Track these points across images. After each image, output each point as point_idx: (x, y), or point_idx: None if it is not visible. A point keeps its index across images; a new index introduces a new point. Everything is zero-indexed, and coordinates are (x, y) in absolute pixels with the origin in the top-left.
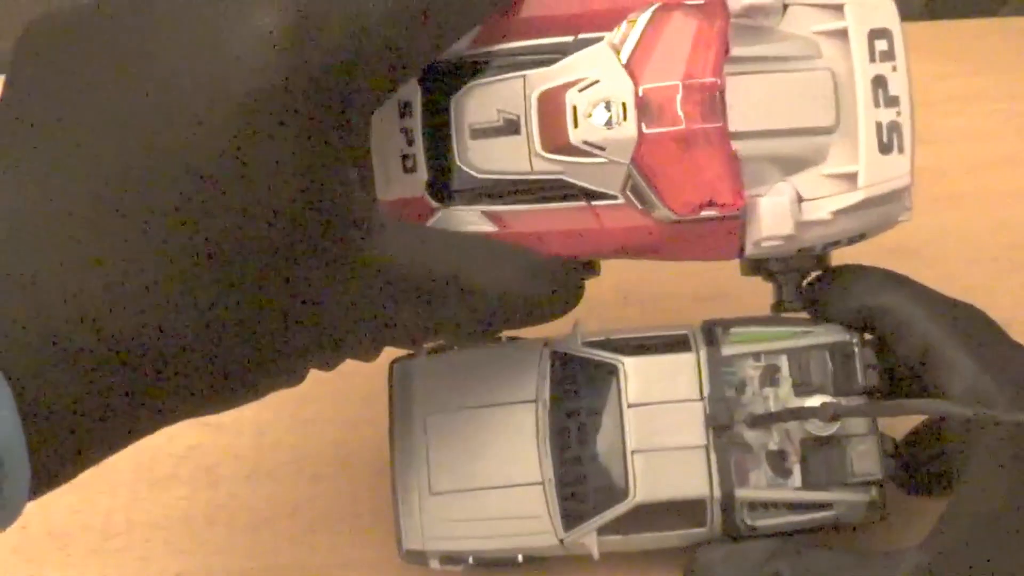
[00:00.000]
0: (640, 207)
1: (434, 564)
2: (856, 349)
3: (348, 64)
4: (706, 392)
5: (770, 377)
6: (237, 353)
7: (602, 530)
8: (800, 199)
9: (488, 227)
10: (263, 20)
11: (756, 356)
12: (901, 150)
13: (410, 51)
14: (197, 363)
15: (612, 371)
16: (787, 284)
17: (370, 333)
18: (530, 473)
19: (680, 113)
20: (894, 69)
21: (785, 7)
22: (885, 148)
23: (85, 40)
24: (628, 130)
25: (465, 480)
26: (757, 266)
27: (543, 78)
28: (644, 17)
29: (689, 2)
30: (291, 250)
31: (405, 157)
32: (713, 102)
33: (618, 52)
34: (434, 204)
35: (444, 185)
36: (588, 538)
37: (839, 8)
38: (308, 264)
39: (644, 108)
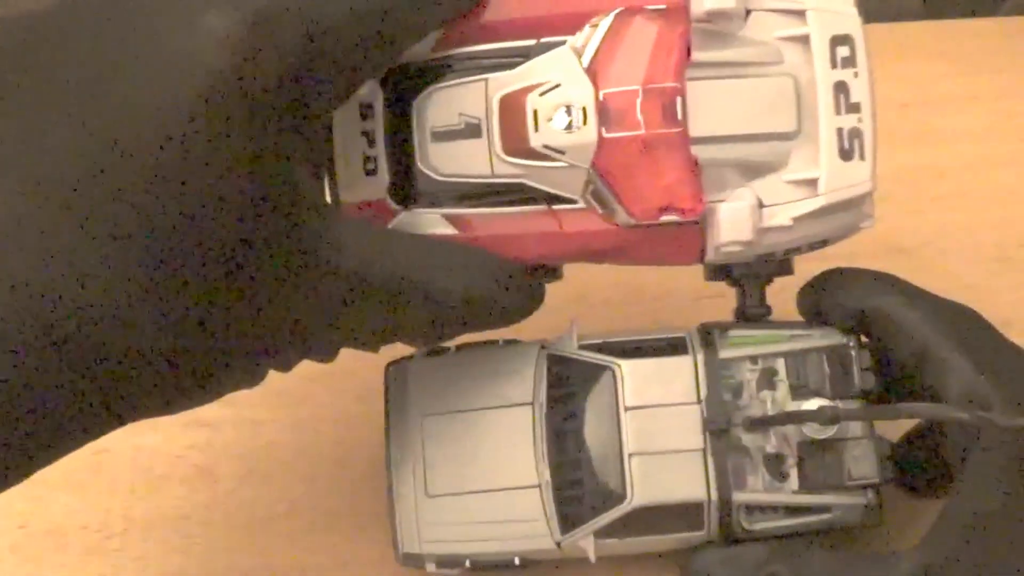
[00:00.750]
0: (601, 211)
1: (431, 567)
2: (853, 352)
3: (303, 67)
4: (703, 395)
5: (767, 380)
6: (193, 350)
7: (599, 533)
8: (761, 205)
9: (449, 230)
10: (217, 22)
11: (753, 359)
12: (862, 157)
13: (367, 55)
14: (151, 359)
15: (609, 374)
16: (750, 290)
17: (328, 334)
18: (526, 476)
19: (640, 118)
20: (856, 75)
21: (748, 13)
22: (846, 155)
23: (45, 44)
24: (588, 134)
25: (461, 483)
26: (719, 271)
27: (505, 81)
28: (606, 22)
29: (651, 7)
30: (244, 248)
31: (367, 159)
32: (673, 107)
33: (580, 56)
34: (395, 207)
35: (406, 188)
36: (585, 541)
37: (801, 14)
38: (262, 263)
39: (604, 112)
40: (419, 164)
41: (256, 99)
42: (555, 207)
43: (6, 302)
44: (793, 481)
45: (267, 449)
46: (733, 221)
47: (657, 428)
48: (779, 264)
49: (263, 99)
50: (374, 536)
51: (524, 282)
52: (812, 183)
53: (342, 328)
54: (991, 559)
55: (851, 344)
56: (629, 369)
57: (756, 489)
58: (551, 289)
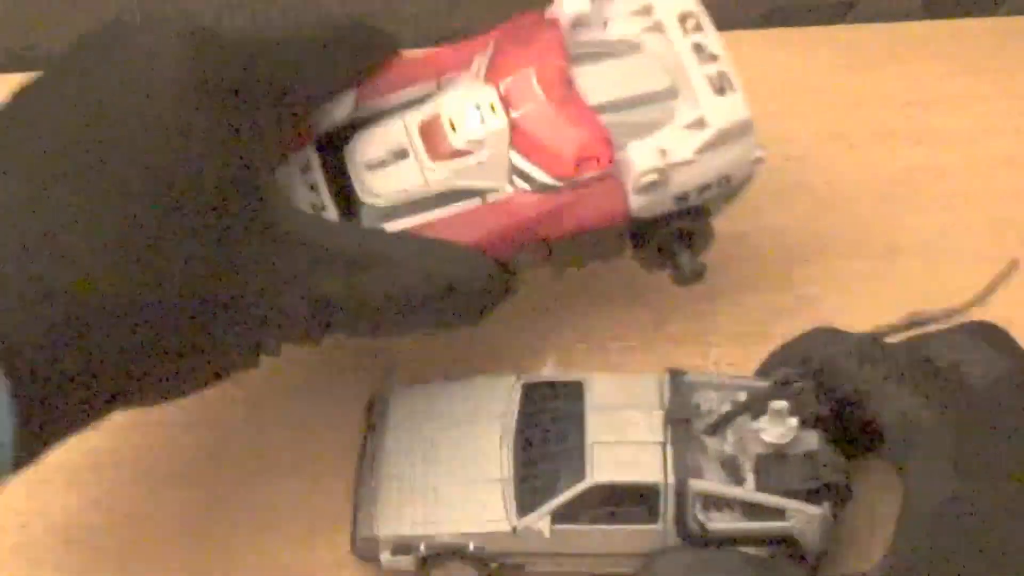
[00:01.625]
0: (529, 188)
1: (385, 556)
2: (809, 384)
3: (241, 80)
4: (667, 401)
5: (727, 401)
6: (187, 330)
7: (556, 516)
8: (664, 152)
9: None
10: (174, 39)
11: (716, 387)
12: (733, 89)
13: (296, 84)
14: (150, 343)
15: (578, 386)
16: (679, 251)
17: (301, 305)
18: (490, 472)
19: (538, 90)
20: (706, 36)
21: (605, 22)
22: (719, 91)
23: (49, 82)
24: (500, 120)
25: (424, 472)
26: (645, 238)
27: (418, 114)
28: (491, 46)
29: (525, 28)
30: (219, 220)
31: (314, 206)
32: (565, 77)
33: (477, 75)
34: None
35: (354, 219)
36: (541, 522)
37: (648, 10)
38: (237, 235)
39: (508, 99)
40: (361, 195)
41: (211, 94)
42: (488, 198)
43: (13, 292)
44: (750, 484)
45: (268, 450)
46: (642, 153)
47: (621, 424)
48: (696, 215)
49: (216, 95)
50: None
51: (488, 263)
52: (701, 122)
53: (313, 299)
54: (948, 553)
55: (801, 379)
56: (598, 379)
57: (713, 482)
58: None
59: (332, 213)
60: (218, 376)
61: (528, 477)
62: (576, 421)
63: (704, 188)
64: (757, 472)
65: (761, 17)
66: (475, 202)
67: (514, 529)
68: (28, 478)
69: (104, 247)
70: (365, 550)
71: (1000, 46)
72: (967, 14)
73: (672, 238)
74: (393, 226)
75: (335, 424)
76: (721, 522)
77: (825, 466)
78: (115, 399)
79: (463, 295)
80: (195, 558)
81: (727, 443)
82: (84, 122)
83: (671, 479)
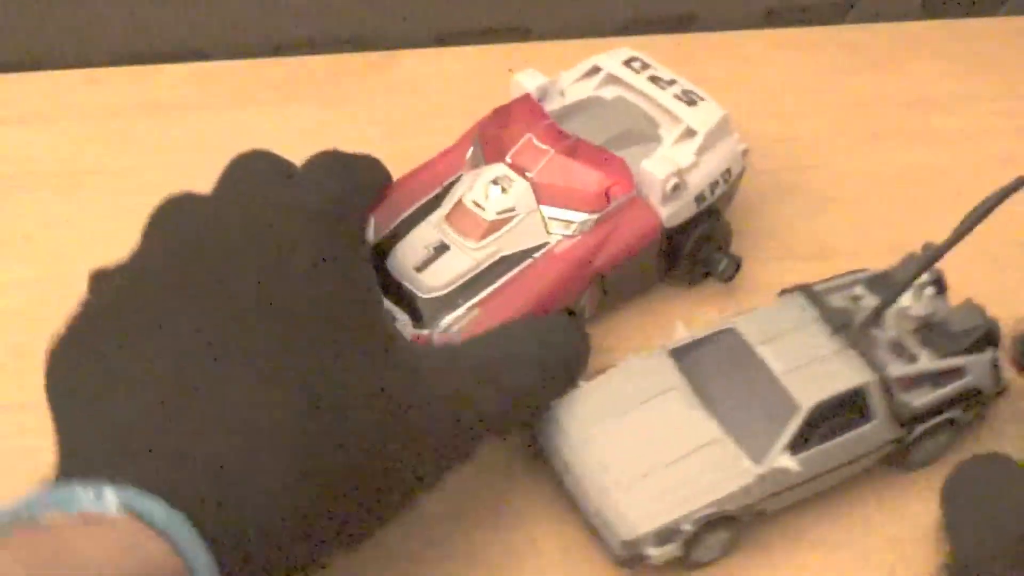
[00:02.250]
0: (570, 232)
1: (650, 551)
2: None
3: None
4: (818, 316)
5: (869, 295)
6: (371, 482)
7: (793, 449)
8: (672, 161)
9: (474, 313)
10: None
11: (839, 289)
12: (702, 98)
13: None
14: (316, 531)
15: (731, 332)
16: (712, 250)
17: (459, 421)
18: (703, 436)
19: (543, 146)
20: (655, 70)
21: (562, 92)
22: (691, 103)
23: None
24: (520, 184)
25: (651, 463)
26: (678, 252)
27: (441, 210)
28: (475, 140)
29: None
30: (378, 376)
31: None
32: (559, 131)
33: (477, 164)
34: (427, 332)
35: (423, 318)
36: (782, 458)
37: (595, 70)
38: (398, 390)
39: (518, 166)
40: (419, 292)
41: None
42: (535, 256)
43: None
44: (925, 357)
45: None
46: (657, 165)
47: (792, 348)
48: (714, 216)
49: (334, 243)
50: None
51: (574, 323)
52: (689, 133)
53: (471, 411)
54: None
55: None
56: (745, 320)
57: (903, 366)
58: None
59: (404, 319)
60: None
61: (738, 429)
62: (751, 361)
63: (714, 185)
64: (924, 345)
65: (761, 17)
66: (527, 263)
67: (762, 476)
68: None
69: (303, 429)
70: (629, 554)
71: (1000, 46)
72: (967, 14)
73: (703, 242)
74: (466, 309)
75: None
76: (920, 398)
77: (971, 317)
78: (319, 552)
79: (572, 360)
80: None
81: (889, 330)
82: (242, 314)
83: (872, 376)
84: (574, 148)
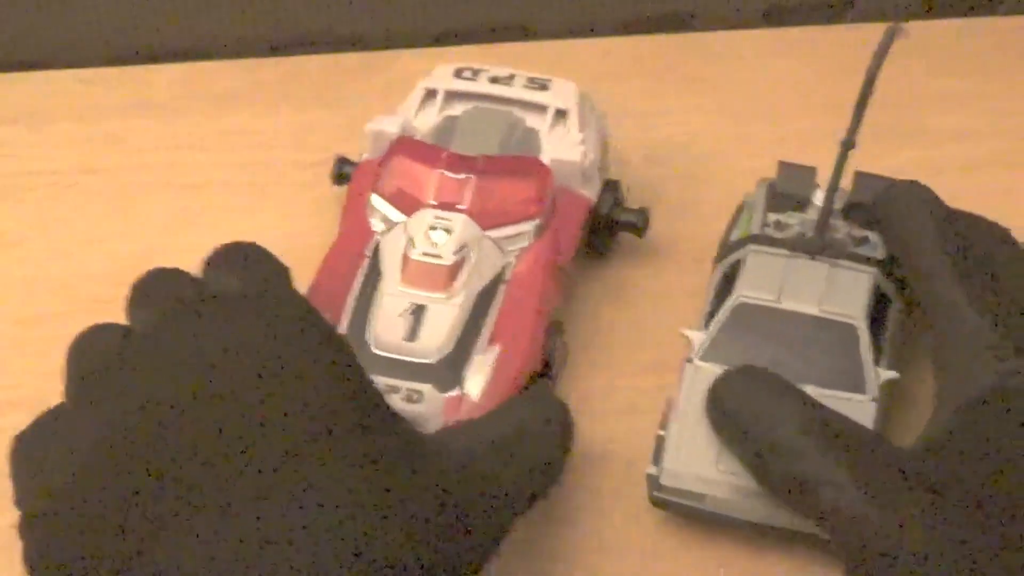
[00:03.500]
0: (525, 244)
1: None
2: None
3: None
4: (784, 251)
5: (784, 224)
6: None
7: (877, 363)
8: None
9: (495, 350)
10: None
11: (763, 224)
12: (550, 80)
13: None
14: None
15: (741, 308)
16: (626, 213)
17: (494, 501)
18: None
19: (458, 176)
20: (488, 72)
21: (412, 126)
22: (543, 88)
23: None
24: (459, 219)
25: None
26: (597, 223)
27: (390, 282)
28: (371, 200)
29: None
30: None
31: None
32: (461, 156)
33: (391, 224)
34: (456, 392)
35: (443, 380)
36: (880, 374)
37: (431, 93)
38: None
39: (446, 204)
40: (427, 361)
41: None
42: (506, 278)
43: None
44: (871, 235)
45: None
46: (562, 149)
47: (800, 288)
48: (614, 186)
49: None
50: None
51: (558, 400)
52: (560, 114)
53: (500, 493)
54: (988, 438)
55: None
56: (747, 289)
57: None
58: None
59: (427, 388)
60: None
61: (820, 379)
62: (778, 320)
63: (604, 153)
64: (862, 226)
65: (761, 17)
66: (502, 288)
67: (875, 400)
68: None
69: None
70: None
71: (999, 46)
72: (966, 14)
73: (615, 209)
74: (475, 360)
75: None
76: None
77: (872, 184)
78: None
79: (568, 424)
80: None
81: (837, 231)
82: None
83: (872, 269)
84: (488, 166)
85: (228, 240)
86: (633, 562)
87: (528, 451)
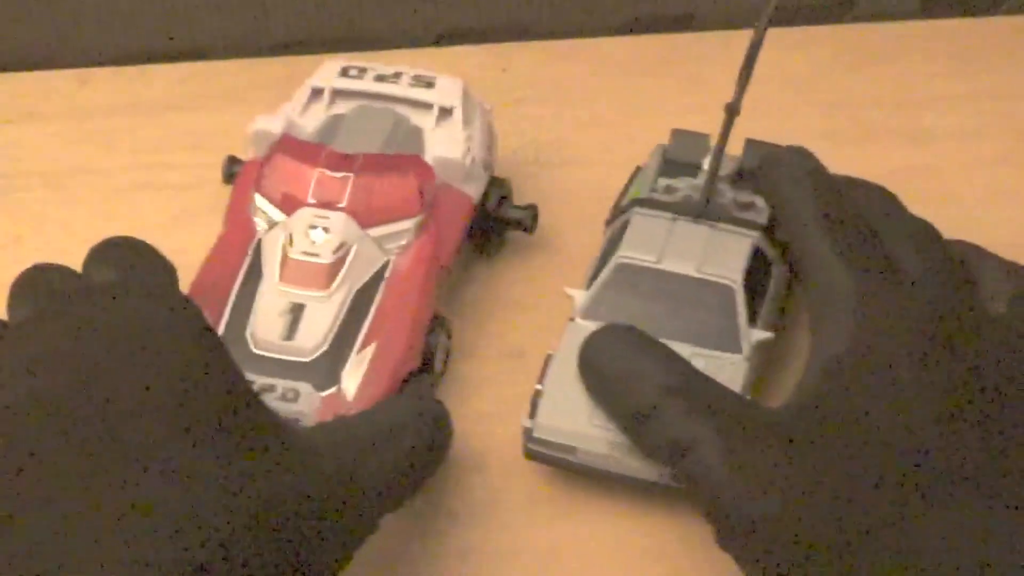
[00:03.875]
0: (404, 242)
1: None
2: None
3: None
4: (668, 214)
5: (673, 188)
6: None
7: (752, 323)
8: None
9: (371, 347)
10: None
11: (652, 189)
12: (436, 77)
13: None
14: None
15: (622, 268)
16: (513, 210)
17: (362, 500)
18: None
19: (336, 175)
20: (374, 69)
21: (296, 125)
22: (429, 85)
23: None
24: (338, 217)
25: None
26: (481, 225)
27: (273, 276)
28: (254, 200)
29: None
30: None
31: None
32: (342, 155)
33: (272, 222)
34: (333, 389)
35: (319, 378)
36: (753, 334)
37: (317, 92)
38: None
39: (326, 203)
40: (303, 359)
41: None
42: (386, 275)
43: None
44: (757, 200)
45: None
46: (444, 146)
47: (681, 249)
48: (499, 183)
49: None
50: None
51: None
52: (444, 112)
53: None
54: (845, 397)
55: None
56: (627, 250)
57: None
58: None
59: (305, 387)
60: None
61: (696, 337)
62: (659, 280)
63: (489, 149)
64: (750, 193)
65: None
66: (382, 285)
67: (748, 359)
68: None
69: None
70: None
71: (999, 46)
72: (966, 14)
73: (501, 206)
74: (353, 359)
75: None
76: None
77: (758, 150)
78: None
79: (446, 423)
80: None
81: (723, 195)
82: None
83: (754, 233)
84: (367, 164)
85: None
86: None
87: (397, 449)
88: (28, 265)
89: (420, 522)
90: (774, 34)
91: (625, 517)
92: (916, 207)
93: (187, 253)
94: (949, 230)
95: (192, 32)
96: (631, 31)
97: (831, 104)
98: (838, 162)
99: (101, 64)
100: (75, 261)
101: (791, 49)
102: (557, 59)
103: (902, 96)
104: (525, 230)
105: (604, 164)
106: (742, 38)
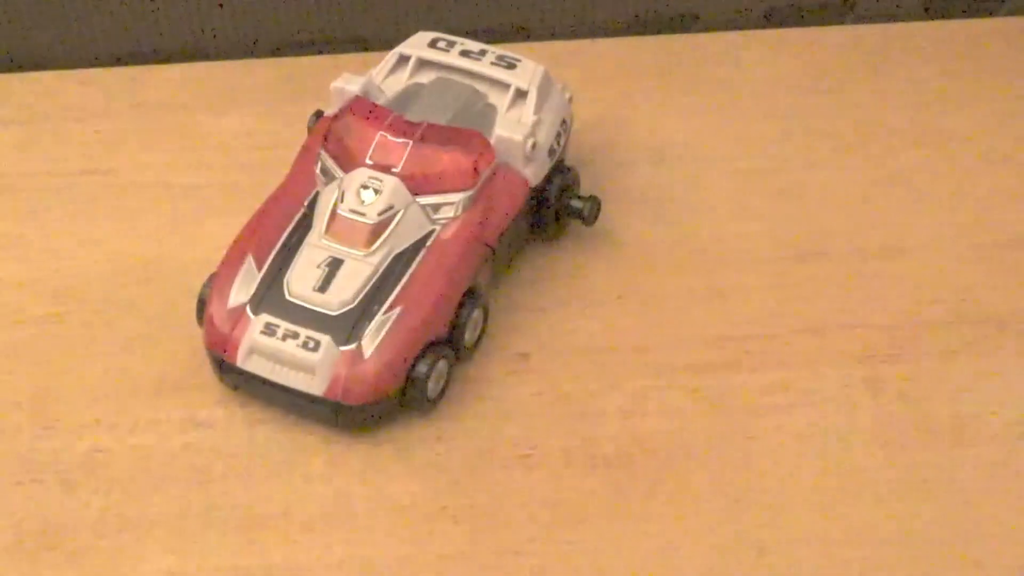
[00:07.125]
0: (452, 215)
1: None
2: None
3: None
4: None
5: None
6: None
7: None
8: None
9: (396, 311)
10: None
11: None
12: (519, 60)
13: None
14: None
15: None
16: (574, 199)
17: None
18: None
19: (399, 140)
20: (463, 44)
21: (380, 89)
22: (511, 67)
23: None
24: (391, 181)
25: None
26: (542, 209)
27: (316, 233)
28: (319, 156)
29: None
30: None
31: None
32: (407, 121)
33: (331, 178)
34: (353, 346)
35: (344, 332)
36: None
37: (403, 59)
38: None
39: (382, 166)
40: (331, 312)
41: None
42: (428, 244)
43: None
44: None
45: (263, 448)
46: (509, 127)
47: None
48: (564, 169)
49: None
50: (371, 536)
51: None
52: (520, 94)
53: None
54: None
55: None
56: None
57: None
58: None
59: (327, 339)
60: None
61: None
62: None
63: (558, 137)
64: None
65: (761, 17)
66: (422, 253)
67: None
68: (20, 478)
69: None
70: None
71: (1000, 46)
72: (967, 14)
73: (563, 193)
74: (378, 319)
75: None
76: None
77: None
78: None
79: None
80: (191, 558)
81: None
82: None
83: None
84: (428, 133)
85: (228, 239)
86: None
87: None
88: (29, 265)
89: (421, 524)
90: (775, 35)
91: None
92: (918, 207)
93: (187, 253)
94: (952, 230)
95: (192, 32)
96: (631, 31)
97: (832, 105)
98: (843, 163)
99: (101, 64)
100: (75, 261)
101: (792, 49)
102: (557, 59)
103: (906, 97)
104: (583, 220)
105: (605, 164)
106: (742, 38)
